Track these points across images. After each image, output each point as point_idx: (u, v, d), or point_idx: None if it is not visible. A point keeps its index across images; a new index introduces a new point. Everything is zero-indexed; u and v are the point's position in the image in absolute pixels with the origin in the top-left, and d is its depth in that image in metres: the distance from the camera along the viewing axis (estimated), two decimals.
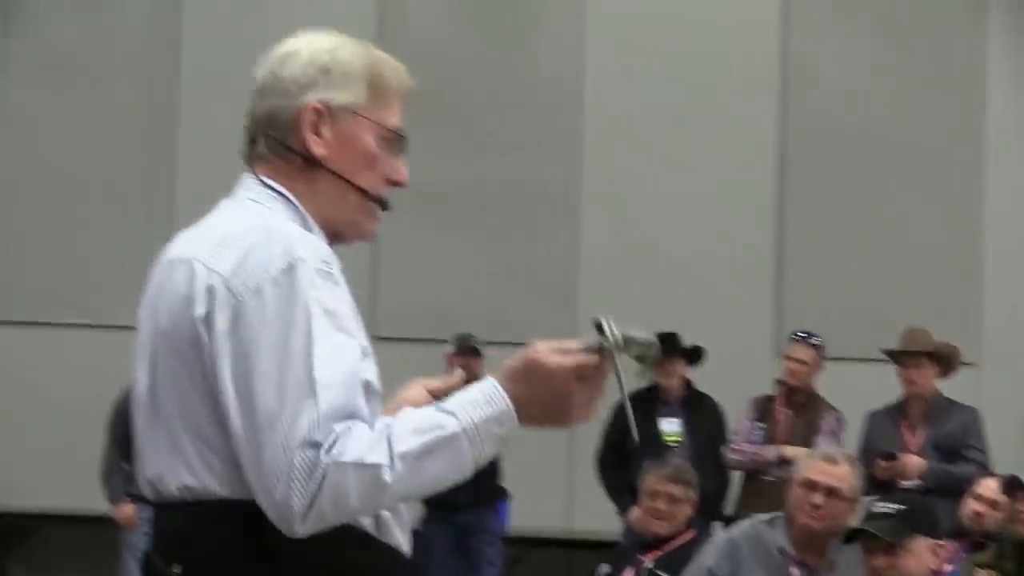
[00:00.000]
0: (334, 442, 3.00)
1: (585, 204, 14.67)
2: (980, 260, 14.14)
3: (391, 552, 3.26)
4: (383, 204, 3.39)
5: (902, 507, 6.27)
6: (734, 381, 11.92)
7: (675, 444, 11.32)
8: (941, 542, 6.21)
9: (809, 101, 14.30)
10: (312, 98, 3.28)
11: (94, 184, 13.92)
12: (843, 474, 7.08)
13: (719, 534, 7.75)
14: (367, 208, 3.37)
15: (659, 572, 8.19)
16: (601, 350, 3.14)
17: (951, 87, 14.25)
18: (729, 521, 11.32)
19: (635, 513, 8.87)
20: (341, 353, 3.08)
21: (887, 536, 6.11)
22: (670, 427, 11.48)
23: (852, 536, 6.42)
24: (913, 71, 14.16)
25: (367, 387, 3.14)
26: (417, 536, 10.82)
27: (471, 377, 10.11)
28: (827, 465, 7.16)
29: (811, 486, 7.03)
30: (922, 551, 6.10)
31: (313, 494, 2.98)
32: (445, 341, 12.10)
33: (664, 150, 14.35)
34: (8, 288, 13.68)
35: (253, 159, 3.35)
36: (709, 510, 11.14)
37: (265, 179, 3.31)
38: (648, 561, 8.30)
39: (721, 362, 12.04)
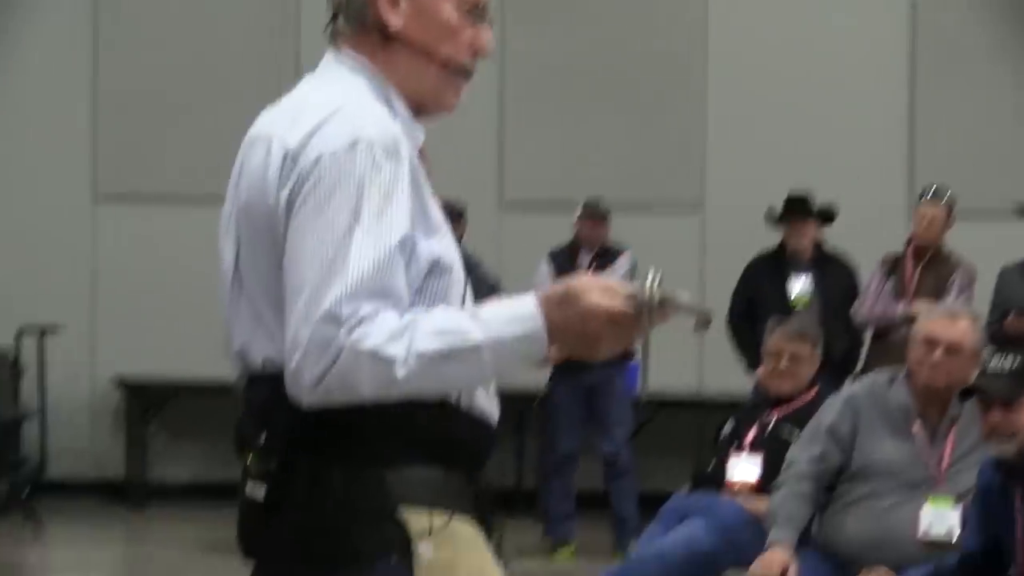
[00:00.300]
0: (357, 323, 2.97)
1: (712, 70, 14.54)
2: None
3: (474, 421, 3.27)
4: (466, 73, 3.34)
5: (1016, 364, 6.21)
6: (867, 240, 11.87)
7: (804, 305, 11.31)
8: None
9: None
10: None
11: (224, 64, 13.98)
12: (964, 330, 7.00)
13: (840, 392, 7.69)
14: (449, 79, 3.32)
15: (783, 428, 8.20)
16: (635, 299, 3.08)
17: None
18: (857, 378, 11.34)
19: (761, 371, 8.85)
20: (386, 234, 3.04)
21: (1001, 395, 6.04)
22: (799, 288, 11.45)
23: (967, 393, 6.37)
24: None
25: (436, 263, 3.14)
26: (544, 398, 10.93)
27: (597, 241, 10.26)
28: (947, 321, 7.09)
29: (931, 343, 6.96)
30: None
31: (323, 370, 2.97)
32: (573, 206, 12.11)
33: (792, 11, 14.23)
34: (145, 165, 13.82)
35: (335, 35, 3.33)
36: (839, 369, 11.15)
37: (345, 54, 3.30)
38: (772, 419, 8.31)
39: (853, 221, 12.00)
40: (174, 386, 13.63)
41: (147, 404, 13.78)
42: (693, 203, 14.29)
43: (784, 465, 7.35)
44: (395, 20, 3.25)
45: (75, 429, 13.90)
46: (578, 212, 12.00)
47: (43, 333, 13.71)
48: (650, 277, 3.09)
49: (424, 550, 3.15)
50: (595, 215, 11.94)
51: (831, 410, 7.31)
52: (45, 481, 13.68)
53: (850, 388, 7.61)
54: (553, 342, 3.08)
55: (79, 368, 13.84)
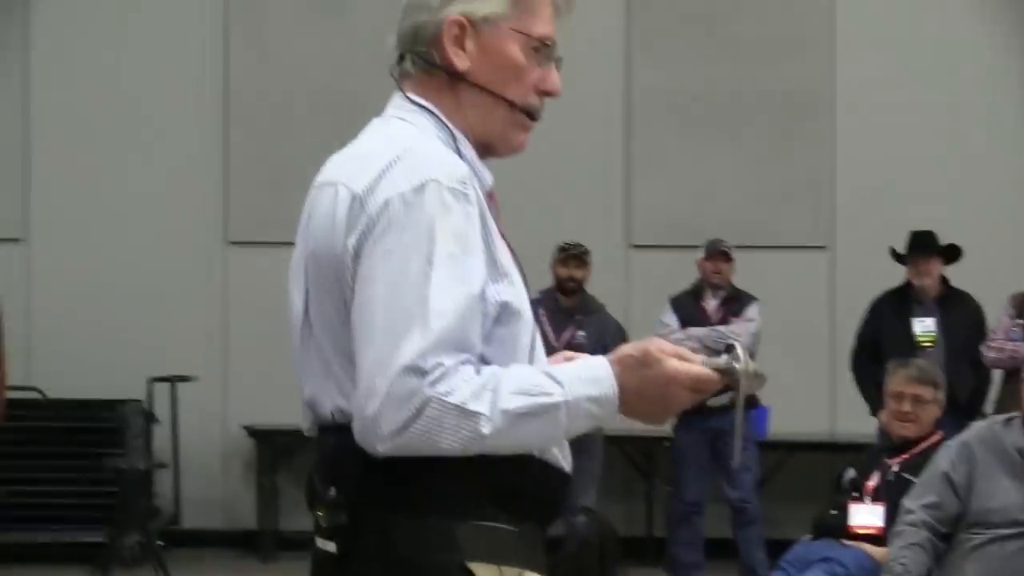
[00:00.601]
0: (440, 376, 2.97)
1: (840, 105, 14.40)
2: None
3: (547, 467, 3.24)
4: (532, 115, 3.33)
5: None
6: (994, 278, 11.72)
7: (929, 344, 11.18)
8: None
9: None
10: (453, 11, 3.25)
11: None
12: None
13: (954, 438, 7.58)
14: (516, 120, 3.32)
15: (905, 476, 8.11)
16: (728, 372, 3.14)
17: None
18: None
19: (884, 414, 8.77)
20: (462, 281, 3.05)
21: None
22: (923, 327, 11.33)
23: None
24: None
25: (504, 308, 3.14)
26: (663, 442, 10.91)
27: (722, 281, 10.19)
28: None
29: None
30: None
31: (406, 420, 2.97)
32: (698, 247, 12.04)
33: (920, 48, 14.10)
34: (275, 211, 13.90)
35: (402, 77, 3.33)
36: (967, 410, 11.02)
37: (410, 96, 3.30)
38: (895, 465, 8.23)
39: (981, 259, 11.87)
40: (304, 435, 13.61)
41: (277, 453, 13.76)
42: (821, 240, 14.15)
43: (899, 513, 7.26)
44: (461, 62, 3.27)
45: (207, 479, 13.99)
46: (703, 251, 11.94)
47: (175, 382, 13.79)
48: (740, 350, 3.17)
49: None
50: (719, 254, 11.85)
51: (946, 455, 7.24)
52: (178, 531, 13.76)
53: (966, 432, 7.48)
54: (624, 403, 3.10)
55: (211, 417, 13.93)
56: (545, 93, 3.35)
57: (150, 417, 13.81)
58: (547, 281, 11.56)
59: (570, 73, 3.56)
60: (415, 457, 3.04)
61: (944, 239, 11.42)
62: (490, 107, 3.29)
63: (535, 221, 12.36)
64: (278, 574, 13.49)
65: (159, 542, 13.03)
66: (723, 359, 3.16)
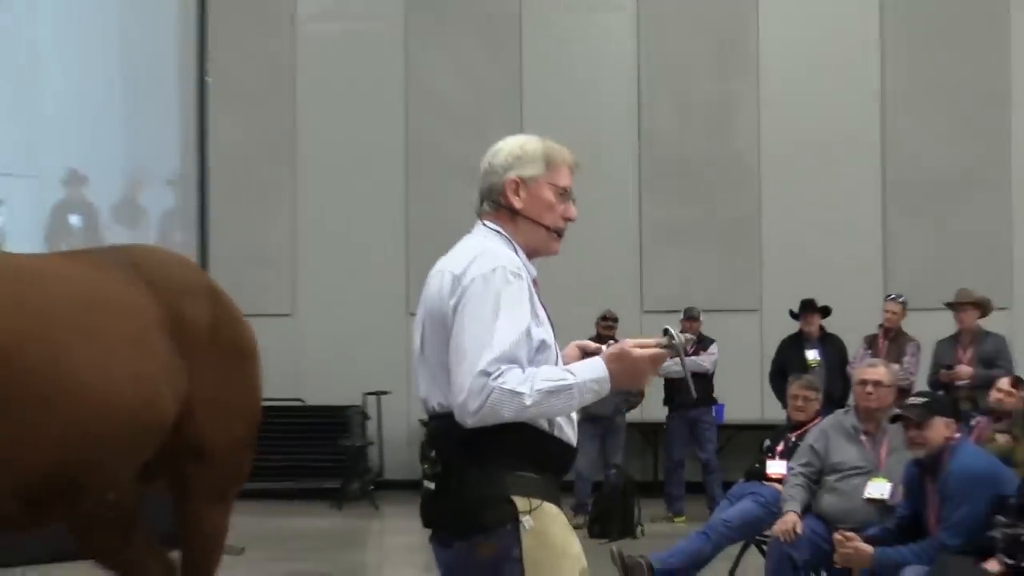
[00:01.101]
0: (499, 374, 3.03)
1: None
2: None
3: (560, 442, 3.24)
4: (560, 233, 3.38)
5: (927, 399, 6.02)
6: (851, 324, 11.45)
7: (815, 366, 11.06)
8: (950, 420, 5.89)
9: None
10: (512, 175, 3.31)
11: None
12: (882, 372, 6.90)
13: (817, 424, 7.51)
14: (551, 237, 3.36)
15: (798, 443, 8.02)
16: (671, 347, 3.19)
17: None
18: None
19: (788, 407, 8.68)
20: (514, 323, 3.10)
21: (917, 417, 5.84)
22: (812, 355, 11.22)
23: (895, 418, 6.16)
24: None
25: (541, 344, 3.16)
26: (661, 426, 10.61)
27: (693, 332, 9.82)
28: (871, 368, 7.02)
29: (863, 382, 6.88)
30: (939, 426, 5.82)
31: (481, 403, 3.03)
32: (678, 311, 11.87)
33: None
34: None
35: (481, 213, 3.38)
36: (837, 403, 10.85)
37: (487, 223, 3.35)
38: (793, 437, 8.14)
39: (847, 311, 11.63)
40: None
41: None
42: None
43: (788, 468, 7.23)
44: (518, 203, 3.31)
45: (398, 450, 13.85)
46: (682, 314, 11.80)
47: (379, 395, 13.80)
48: (673, 331, 3.20)
49: (526, 522, 3.11)
50: (692, 318, 11.69)
51: (812, 435, 7.21)
52: (383, 481, 13.69)
53: (823, 421, 7.41)
54: (613, 379, 3.12)
55: (400, 415, 13.75)
56: (567, 219, 3.38)
57: (364, 415, 13.86)
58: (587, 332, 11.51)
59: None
60: (483, 435, 3.08)
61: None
62: (535, 229, 3.32)
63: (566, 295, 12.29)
64: None
65: (371, 487, 13.10)
66: (664, 339, 3.20)
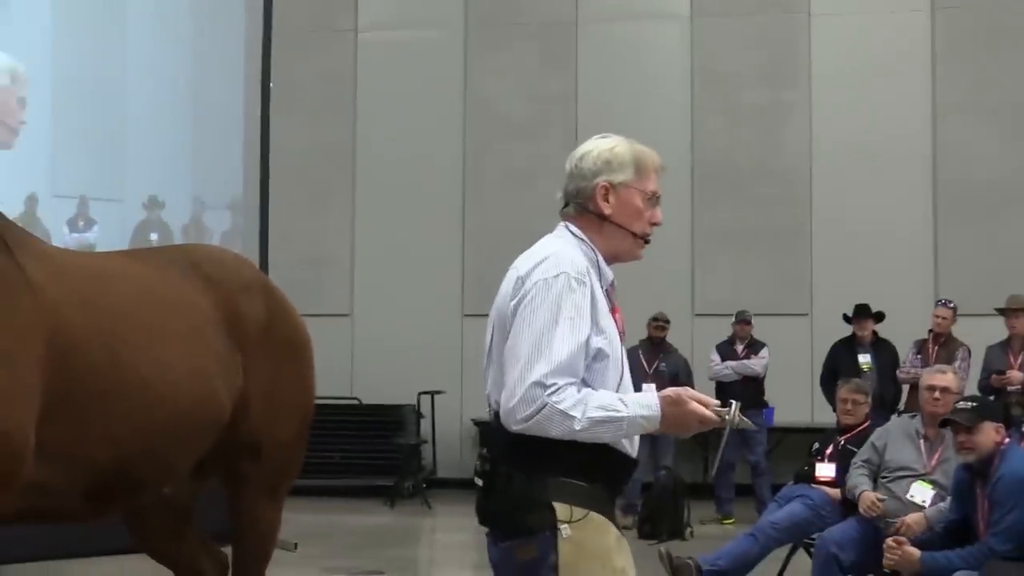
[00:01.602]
0: (555, 390, 2.93)
1: None
2: None
3: (617, 452, 3.12)
4: (646, 240, 3.27)
5: (976, 403, 5.89)
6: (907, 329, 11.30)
7: (867, 370, 10.91)
8: (999, 425, 5.77)
9: None
10: (602, 180, 3.19)
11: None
12: (950, 379, 6.74)
13: (882, 426, 7.44)
14: (638, 243, 3.24)
15: (848, 446, 7.92)
16: (721, 417, 3.07)
17: None
18: (900, 414, 10.88)
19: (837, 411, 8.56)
20: (573, 333, 2.99)
21: (966, 422, 5.73)
22: (863, 359, 11.07)
23: (944, 423, 6.04)
24: None
25: (599, 352, 3.05)
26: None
27: (745, 335, 9.72)
28: (939, 375, 6.82)
29: (931, 388, 6.70)
30: (989, 431, 5.70)
31: (531, 414, 2.93)
32: (731, 314, 11.81)
33: None
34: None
35: (565, 215, 3.27)
36: (888, 407, 10.74)
37: (570, 226, 3.24)
38: (842, 440, 8.03)
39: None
40: None
41: None
42: None
43: (852, 462, 7.15)
44: (607, 209, 3.19)
45: (451, 449, 13.92)
46: (734, 318, 11.72)
47: (433, 394, 13.80)
48: (734, 407, 3.08)
49: (564, 530, 3.02)
50: (744, 321, 11.62)
51: (874, 436, 7.15)
52: (435, 479, 13.68)
53: (888, 424, 7.33)
54: (662, 423, 3.02)
55: (453, 414, 13.83)
56: (654, 224, 3.27)
57: (419, 414, 13.87)
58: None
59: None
60: (534, 439, 2.99)
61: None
62: (623, 235, 3.20)
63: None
64: None
65: (423, 485, 13.09)
66: (723, 410, 3.09)
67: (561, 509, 3.02)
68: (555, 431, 2.94)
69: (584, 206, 3.20)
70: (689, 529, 10.62)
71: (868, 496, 6.71)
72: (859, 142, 13.29)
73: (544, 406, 2.92)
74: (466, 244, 14.11)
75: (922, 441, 6.74)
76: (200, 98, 9.68)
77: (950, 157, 13.28)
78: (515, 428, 2.95)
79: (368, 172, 14.30)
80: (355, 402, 13.90)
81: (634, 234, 3.22)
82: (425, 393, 13.72)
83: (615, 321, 3.17)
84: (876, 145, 13.26)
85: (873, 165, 13.27)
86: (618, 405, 2.99)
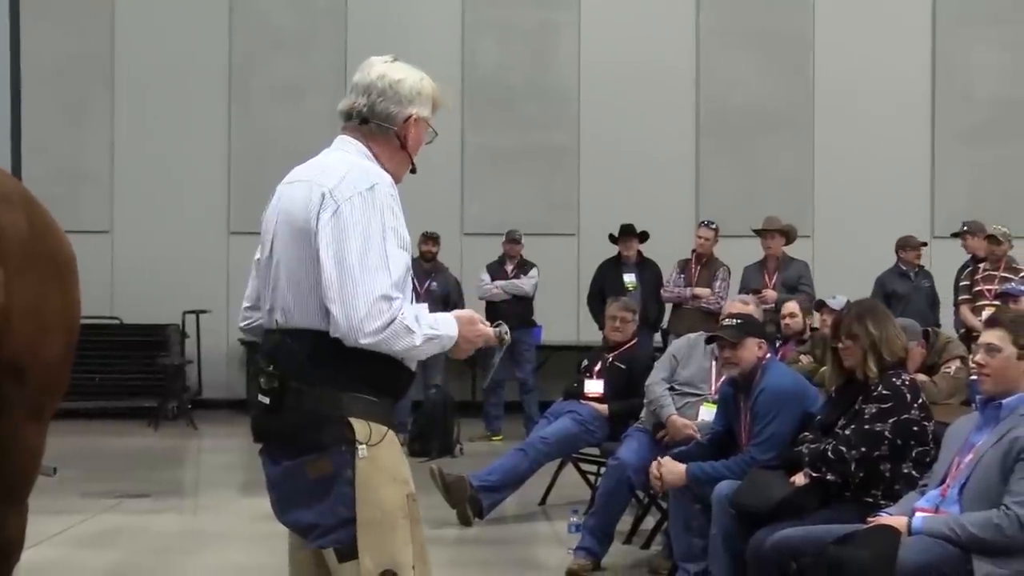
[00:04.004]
0: (400, 304, 2.94)
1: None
2: None
3: (403, 366, 3.09)
4: (414, 168, 3.31)
5: (740, 320, 6.07)
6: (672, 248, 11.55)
7: (632, 289, 11.16)
8: (762, 340, 5.96)
9: None
10: (415, 111, 3.20)
11: None
12: (751, 309, 6.82)
13: (679, 340, 7.65)
14: (407, 167, 3.27)
15: (617, 363, 8.10)
16: (499, 337, 3.25)
17: None
18: (664, 332, 11.20)
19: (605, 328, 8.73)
20: (402, 247, 3.02)
21: (731, 338, 5.90)
22: (629, 279, 11.32)
23: (711, 339, 6.22)
24: None
25: (408, 267, 3.07)
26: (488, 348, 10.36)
27: (515, 254, 9.74)
28: (740, 304, 6.99)
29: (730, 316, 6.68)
30: (752, 346, 5.89)
31: (380, 327, 2.92)
32: (501, 234, 11.83)
33: None
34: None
35: (348, 127, 3.23)
36: (652, 326, 11.03)
37: (354, 141, 3.21)
38: (610, 357, 8.21)
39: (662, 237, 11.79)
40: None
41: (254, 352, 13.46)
42: None
43: (649, 378, 7.27)
44: (410, 140, 3.23)
45: (217, 369, 13.65)
46: (504, 237, 11.78)
47: (198, 313, 13.48)
48: (505, 328, 3.27)
49: (361, 450, 3.00)
50: (515, 240, 11.69)
51: (672, 347, 7.43)
52: (201, 400, 13.42)
53: (677, 341, 7.56)
54: (457, 343, 3.10)
55: (219, 335, 13.55)
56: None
57: (183, 334, 13.54)
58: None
59: None
60: (327, 353, 2.97)
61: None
62: (404, 160, 3.24)
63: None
64: None
65: (188, 406, 12.81)
66: (498, 330, 3.23)
67: (360, 427, 3.00)
68: (398, 347, 2.95)
69: (386, 128, 3.19)
70: (459, 446, 10.71)
71: (679, 422, 6.85)
72: (626, 64, 13.49)
73: (392, 320, 2.92)
74: (232, 159, 13.74)
75: (714, 362, 6.88)
76: None
77: (712, 82, 13.64)
78: (364, 343, 2.92)
79: (127, 82, 13.70)
80: (116, 322, 13.43)
81: (411, 160, 3.25)
82: (190, 312, 13.40)
83: None
84: (642, 68, 13.49)
85: (639, 88, 13.50)
86: (436, 324, 3.04)
